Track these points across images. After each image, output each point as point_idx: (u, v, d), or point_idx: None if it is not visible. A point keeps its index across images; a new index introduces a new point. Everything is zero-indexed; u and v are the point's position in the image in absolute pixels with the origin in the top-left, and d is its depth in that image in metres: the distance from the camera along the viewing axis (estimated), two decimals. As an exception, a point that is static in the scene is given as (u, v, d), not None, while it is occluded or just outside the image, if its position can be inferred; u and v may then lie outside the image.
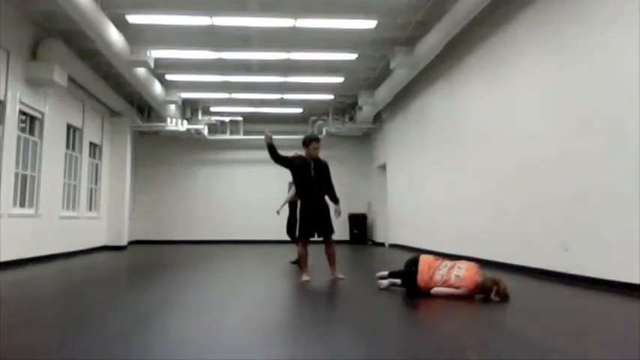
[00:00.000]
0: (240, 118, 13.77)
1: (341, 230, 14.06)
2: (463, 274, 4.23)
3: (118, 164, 11.91)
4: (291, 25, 7.76)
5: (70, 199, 9.72)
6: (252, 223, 14.13)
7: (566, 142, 5.37)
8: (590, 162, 4.99)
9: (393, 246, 12.18)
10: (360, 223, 14.03)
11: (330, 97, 12.39)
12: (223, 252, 10.52)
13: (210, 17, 7.41)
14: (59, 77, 7.81)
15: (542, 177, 5.82)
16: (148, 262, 8.32)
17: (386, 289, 4.67)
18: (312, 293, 4.75)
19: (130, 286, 5.36)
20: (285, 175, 6.48)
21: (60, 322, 3.35)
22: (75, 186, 9.95)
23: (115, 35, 7.46)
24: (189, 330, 3.01)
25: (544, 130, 5.79)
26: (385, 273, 4.91)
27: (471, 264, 4.40)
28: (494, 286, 4.10)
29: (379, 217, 13.60)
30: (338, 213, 5.79)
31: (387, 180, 12.84)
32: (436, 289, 4.28)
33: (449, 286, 4.24)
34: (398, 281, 4.68)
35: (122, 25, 7.65)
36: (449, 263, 4.42)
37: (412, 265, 4.52)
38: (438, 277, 4.32)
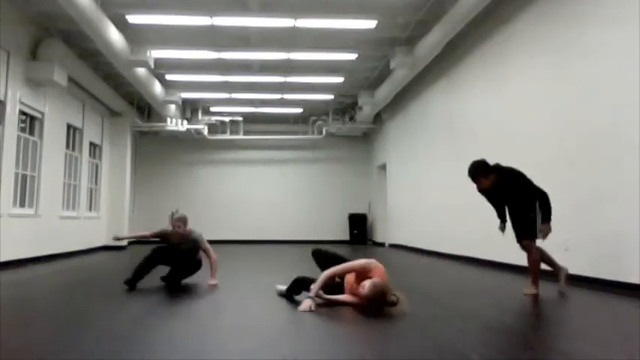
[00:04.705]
0: (240, 118, 13.77)
1: (341, 230, 14.14)
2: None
3: (118, 164, 11.91)
4: (291, 25, 7.76)
5: (70, 199, 9.72)
6: (252, 223, 14.10)
7: (566, 142, 5.37)
8: (589, 161, 4.99)
9: (393, 246, 12.18)
10: (360, 223, 14.02)
11: (330, 97, 12.39)
12: (223, 252, 10.50)
13: (211, 17, 7.42)
14: (59, 77, 7.81)
15: (542, 176, 5.80)
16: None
17: None
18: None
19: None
20: (285, 176, 6.46)
21: (60, 322, 3.34)
22: (75, 186, 9.94)
23: (115, 35, 7.46)
24: (189, 330, 3.01)
25: (544, 130, 5.79)
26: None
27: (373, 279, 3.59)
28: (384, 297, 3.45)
29: (379, 217, 13.60)
30: None
31: (387, 180, 12.84)
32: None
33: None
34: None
35: (122, 25, 7.65)
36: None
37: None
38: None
